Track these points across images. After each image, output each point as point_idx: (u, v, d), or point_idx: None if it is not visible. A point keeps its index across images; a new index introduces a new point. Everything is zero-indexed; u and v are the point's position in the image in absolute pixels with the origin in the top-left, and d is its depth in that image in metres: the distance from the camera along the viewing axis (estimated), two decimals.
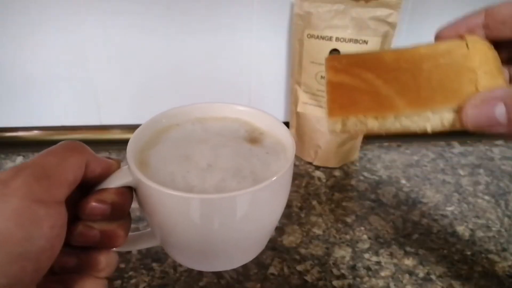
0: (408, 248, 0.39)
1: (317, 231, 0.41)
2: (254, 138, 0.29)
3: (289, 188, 0.27)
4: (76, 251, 0.23)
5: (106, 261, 0.23)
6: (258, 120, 0.31)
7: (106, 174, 0.24)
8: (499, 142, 0.59)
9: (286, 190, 0.27)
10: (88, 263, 0.23)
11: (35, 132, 0.54)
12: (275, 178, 0.23)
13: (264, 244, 0.30)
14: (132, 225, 0.26)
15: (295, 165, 0.49)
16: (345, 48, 0.46)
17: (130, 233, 0.25)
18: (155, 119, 0.29)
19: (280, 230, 0.41)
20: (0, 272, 0.17)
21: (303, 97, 0.51)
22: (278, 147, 0.28)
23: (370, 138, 0.56)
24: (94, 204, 0.22)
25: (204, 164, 0.26)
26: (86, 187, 0.23)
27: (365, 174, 0.51)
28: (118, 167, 0.25)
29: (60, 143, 0.22)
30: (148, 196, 0.24)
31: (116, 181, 0.24)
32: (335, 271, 0.37)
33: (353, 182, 0.50)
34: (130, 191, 0.24)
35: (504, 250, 0.40)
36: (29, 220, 0.18)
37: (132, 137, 0.27)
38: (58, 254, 0.20)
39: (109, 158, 0.24)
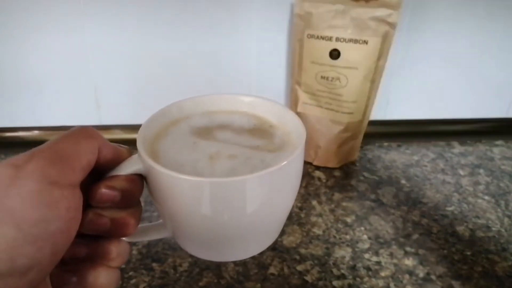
0: (408, 248, 0.39)
1: (317, 231, 0.41)
2: (264, 131, 0.29)
3: (301, 175, 0.27)
4: (86, 241, 0.23)
5: (117, 250, 0.23)
6: (268, 112, 0.31)
7: (117, 161, 0.24)
8: (499, 142, 0.59)
9: (297, 176, 0.26)
10: (99, 253, 0.23)
11: (35, 132, 0.54)
12: (285, 162, 0.23)
13: (277, 234, 0.29)
14: None
15: None
16: (345, 48, 0.46)
17: (140, 225, 0.25)
18: (166, 110, 0.29)
19: None
20: (20, 253, 0.17)
21: (303, 97, 0.51)
22: (289, 138, 0.29)
23: (370, 138, 0.56)
24: (104, 190, 0.22)
25: (214, 153, 0.26)
26: (97, 174, 0.23)
27: (365, 174, 0.51)
28: (129, 155, 0.24)
29: (73, 128, 0.22)
30: (159, 183, 0.23)
31: (126, 168, 0.24)
32: (335, 271, 0.37)
33: (353, 182, 0.50)
34: (140, 179, 0.24)
35: (504, 250, 0.40)
36: (44, 201, 0.18)
37: (142, 126, 0.27)
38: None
39: (120, 146, 0.24)
